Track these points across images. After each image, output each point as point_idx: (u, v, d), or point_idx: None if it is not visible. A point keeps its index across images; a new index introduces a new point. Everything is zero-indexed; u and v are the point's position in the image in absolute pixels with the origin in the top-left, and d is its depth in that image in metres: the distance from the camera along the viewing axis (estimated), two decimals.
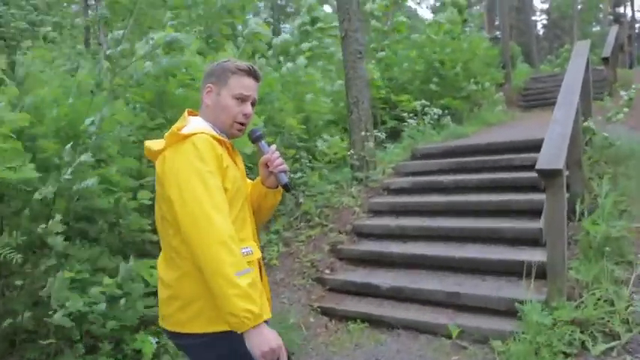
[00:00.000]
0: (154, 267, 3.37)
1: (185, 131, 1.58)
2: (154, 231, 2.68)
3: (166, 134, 1.63)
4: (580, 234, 3.95)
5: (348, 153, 6.18)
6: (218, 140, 1.61)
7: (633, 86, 7.83)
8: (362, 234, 5.25)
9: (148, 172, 3.73)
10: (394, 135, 8.06)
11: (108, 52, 3.86)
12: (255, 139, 1.83)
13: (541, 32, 42.92)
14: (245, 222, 1.67)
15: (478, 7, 40.35)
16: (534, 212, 4.39)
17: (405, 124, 7.21)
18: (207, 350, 1.57)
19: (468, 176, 5.42)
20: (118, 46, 3.53)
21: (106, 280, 2.93)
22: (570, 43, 24.22)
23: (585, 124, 5.07)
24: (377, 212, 5.54)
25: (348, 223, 5.41)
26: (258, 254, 1.68)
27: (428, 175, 5.85)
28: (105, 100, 3.30)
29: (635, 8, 40.85)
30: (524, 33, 29.59)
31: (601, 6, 35.42)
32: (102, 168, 3.23)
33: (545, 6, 42.64)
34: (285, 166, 1.80)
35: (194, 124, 1.64)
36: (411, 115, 7.41)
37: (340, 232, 5.35)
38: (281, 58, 7.16)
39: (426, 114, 7.43)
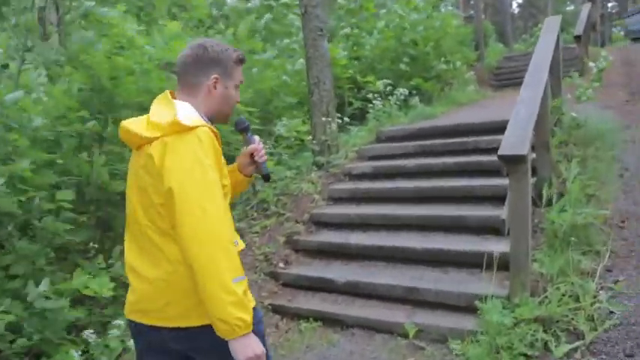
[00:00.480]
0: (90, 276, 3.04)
1: (187, 121, 1.49)
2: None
3: (158, 120, 1.52)
4: (546, 222, 3.70)
5: (308, 137, 5.83)
6: (214, 133, 1.56)
7: (603, 55, 7.63)
8: (320, 223, 4.94)
9: (73, 167, 3.33)
10: (362, 117, 7.71)
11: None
12: (243, 129, 1.85)
13: (516, 11, 42.81)
14: (230, 215, 1.60)
15: None
16: (501, 198, 4.13)
17: (371, 105, 6.87)
18: (190, 341, 1.55)
19: (434, 160, 5.13)
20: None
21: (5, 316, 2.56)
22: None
23: (554, 103, 4.82)
24: (337, 199, 5.23)
25: (306, 212, 5.09)
26: (242, 245, 1.66)
27: (392, 159, 5.55)
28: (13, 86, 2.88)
29: None
30: (498, 12, 29.38)
31: None
32: (8, 164, 2.82)
33: None
34: (266, 157, 1.87)
35: (188, 112, 1.56)
36: (376, 96, 7.06)
37: (297, 222, 5.03)
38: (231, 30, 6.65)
39: (391, 94, 7.09)
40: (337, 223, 4.83)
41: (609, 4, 38.19)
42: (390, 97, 7.22)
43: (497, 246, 3.61)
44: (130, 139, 1.60)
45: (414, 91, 8.27)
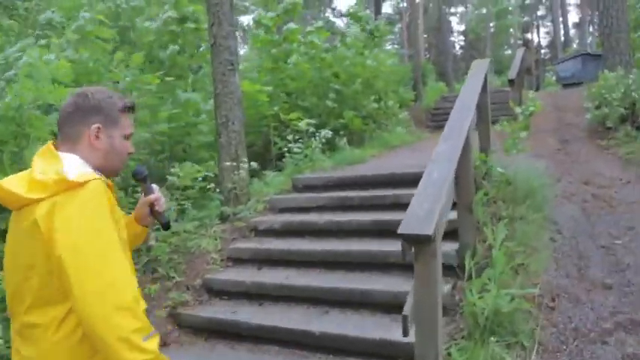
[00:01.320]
0: None
1: (75, 177, 1.37)
2: None
3: (43, 178, 1.38)
4: (466, 305, 3.08)
5: (209, 185, 5.06)
6: (108, 185, 1.48)
7: (530, 98, 7.35)
8: (213, 291, 4.14)
9: None
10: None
11: None
12: (141, 179, 1.75)
13: (459, 53, 44.32)
14: (133, 268, 1.51)
15: (400, 25, 41.08)
16: None
17: (290, 146, 6.21)
18: None
19: (349, 216, 4.48)
20: None
21: None
22: None
23: (480, 156, 4.31)
24: (237, 260, 4.47)
25: (199, 277, 4.28)
26: (143, 304, 1.47)
27: (304, 212, 4.87)
28: None
29: (541, 35, 43.47)
30: (441, 52, 30.16)
31: (512, 30, 37.01)
32: None
33: (462, 27, 44.13)
34: (166, 206, 1.78)
35: (75, 164, 1.44)
36: (297, 137, 6.41)
37: (188, 288, 4.22)
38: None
39: (314, 135, 6.47)
40: (232, 292, 4.06)
41: (542, 51, 40.27)
42: (314, 138, 6.59)
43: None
44: (7, 200, 1.43)
45: (343, 131, 7.72)
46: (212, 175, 5.56)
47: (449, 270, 3.47)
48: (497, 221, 3.98)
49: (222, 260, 4.50)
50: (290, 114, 7.23)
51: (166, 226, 1.79)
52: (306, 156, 6.26)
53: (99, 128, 1.53)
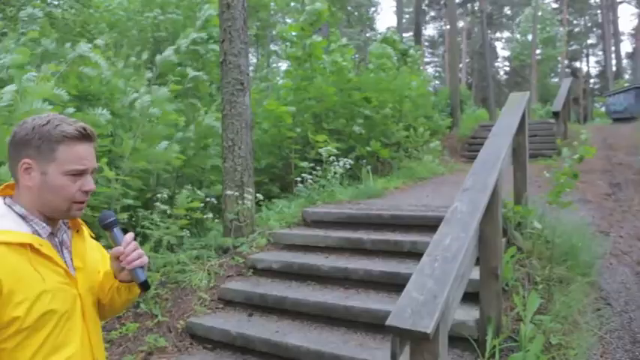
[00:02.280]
0: None
1: None
2: None
3: None
4: None
5: (206, 215, 4.61)
6: (23, 243, 1.26)
7: (583, 136, 6.62)
8: (196, 337, 3.65)
9: None
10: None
11: None
12: (105, 226, 1.45)
13: (503, 78, 43.18)
14: (63, 344, 1.31)
15: (443, 49, 40.32)
16: None
17: (304, 176, 5.70)
18: None
19: (357, 262, 3.93)
20: None
21: None
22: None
23: (515, 207, 3.70)
24: (228, 303, 3.97)
25: (184, 317, 3.80)
26: None
27: (309, 252, 4.34)
28: None
29: (591, 64, 41.90)
30: (484, 78, 29.24)
31: (559, 59, 35.71)
32: None
33: (507, 53, 43.01)
34: (142, 260, 1.42)
35: None
36: (313, 165, 5.89)
37: (170, 330, 3.75)
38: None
39: (333, 163, 5.94)
40: (216, 341, 3.55)
41: (591, 80, 38.69)
42: (334, 166, 6.06)
43: None
44: None
45: (369, 159, 7.17)
46: (215, 202, 5.13)
47: (465, 343, 2.87)
48: (530, 286, 3.35)
49: (212, 301, 4.01)
50: (317, 136, 6.74)
51: (144, 286, 1.44)
52: (323, 186, 5.74)
53: (27, 163, 1.33)
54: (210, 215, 4.65)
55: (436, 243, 2.06)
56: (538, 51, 33.20)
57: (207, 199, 5.07)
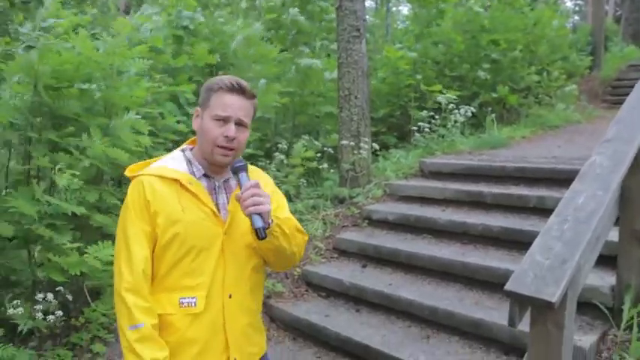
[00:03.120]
0: None
1: (128, 171, 1.56)
2: None
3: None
4: None
5: (321, 166, 4.65)
6: (174, 179, 1.48)
7: None
8: (311, 284, 3.80)
9: None
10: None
11: None
12: (234, 170, 1.51)
13: None
14: (195, 270, 1.46)
15: None
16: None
17: (422, 125, 5.48)
18: None
19: (476, 217, 3.74)
20: None
21: None
22: None
23: None
24: (343, 253, 4.04)
25: (300, 265, 3.96)
26: (200, 307, 1.46)
27: (425, 204, 4.22)
28: None
29: None
30: (637, 8, 25.29)
31: None
32: None
33: None
34: (262, 207, 1.40)
35: (161, 161, 1.56)
36: (432, 114, 5.63)
37: (287, 277, 3.93)
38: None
39: (453, 111, 5.61)
40: (330, 289, 3.65)
41: None
42: (455, 114, 5.73)
43: None
44: None
45: (495, 107, 6.68)
46: (332, 152, 5.16)
47: (596, 311, 2.62)
48: None
49: (327, 250, 4.11)
50: (432, 85, 6.42)
51: (259, 234, 1.40)
52: (442, 136, 5.49)
53: (197, 110, 1.55)
54: (326, 165, 4.69)
55: (567, 201, 1.85)
56: None
57: (325, 149, 5.12)
